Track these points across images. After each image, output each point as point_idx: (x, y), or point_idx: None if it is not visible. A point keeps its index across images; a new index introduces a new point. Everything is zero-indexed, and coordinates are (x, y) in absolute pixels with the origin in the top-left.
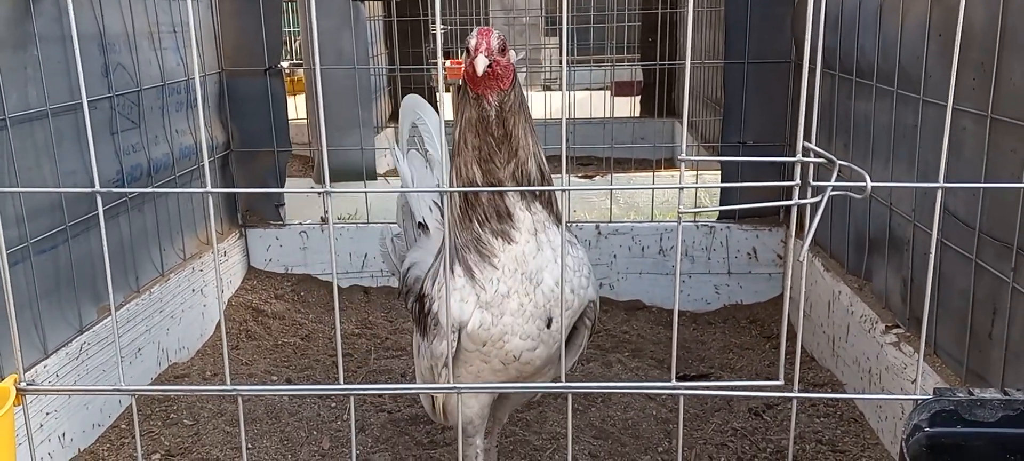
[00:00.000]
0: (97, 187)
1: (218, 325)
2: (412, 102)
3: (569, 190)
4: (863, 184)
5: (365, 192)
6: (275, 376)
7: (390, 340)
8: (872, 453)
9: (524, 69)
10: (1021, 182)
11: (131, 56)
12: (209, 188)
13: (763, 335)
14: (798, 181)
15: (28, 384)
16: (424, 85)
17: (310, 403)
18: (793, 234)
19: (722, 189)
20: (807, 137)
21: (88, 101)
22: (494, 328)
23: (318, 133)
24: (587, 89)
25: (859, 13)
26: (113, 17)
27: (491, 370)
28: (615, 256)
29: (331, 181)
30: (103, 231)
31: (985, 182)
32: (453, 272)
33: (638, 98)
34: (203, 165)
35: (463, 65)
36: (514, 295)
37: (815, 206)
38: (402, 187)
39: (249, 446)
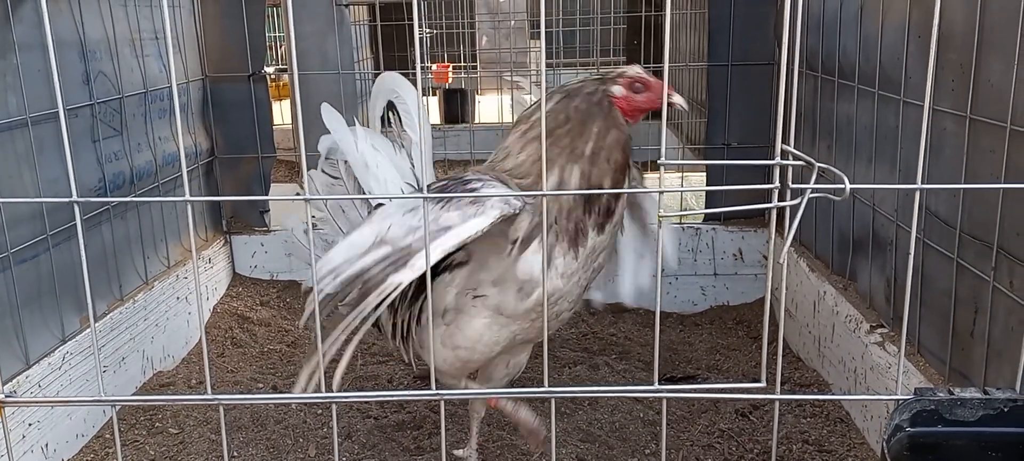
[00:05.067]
0: (74, 196)
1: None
2: (390, 81)
3: (546, 195)
4: (842, 186)
5: (351, 198)
6: (261, 383)
7: (376, 345)
8: (858, 453)
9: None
10: (1000, 182)
11: (112, 63)
12: (188, 196)
13: (750, 336)
14: (777, 184)
15: (7, 396)
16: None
17: (296, 410)
18: (773, 237)
19: (707, 191)
20: (785, 140)
21: (68, 109)
22: (552, 297)
23: (295, 137)
24: None
25: (840, 14)
26: (94, 24)
27: (499, 324)
28: None
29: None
30: (81, 240)
31: (965, 182)
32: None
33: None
34: (182, 174)
35: (641, 95)
36: (578, 273)
37: (795, 208)
38: (365, 167)
39: (235, 454)
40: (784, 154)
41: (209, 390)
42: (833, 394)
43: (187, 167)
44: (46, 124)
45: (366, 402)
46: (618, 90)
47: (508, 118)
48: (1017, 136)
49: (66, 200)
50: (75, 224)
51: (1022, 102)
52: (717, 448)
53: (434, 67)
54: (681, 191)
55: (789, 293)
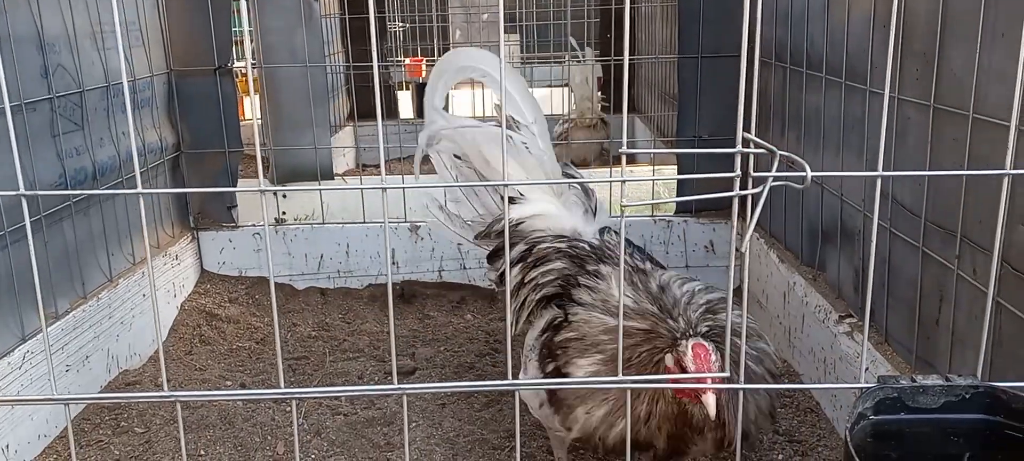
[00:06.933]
0: (21, 190)
1: (170, 330)
2: (464, 58)
3: (508, 185)
4: (803, 174)
5: (320, 189)
6: (230, 381)
7: (347, 342)
8: (828, 442)
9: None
10: (963, 170)
11: (73, 57)
12: (139, 189)
13: None
14: (739, 172)
15: None
16: (380, 83)
17: (265, 408)
18: (735, 224)
19: (678, 183)
20: (747, 129)
21: (26, 103)
22: None
23: (265, 132)
24: (548, 86)
25: (808, 5)
26: (52, 16)
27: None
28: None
29: (287, 181)
30: (29, 235)
31: (929, 170)
32: None
33: (598, 94)
34: (135, 167)
35: (677, 379)
36: None
37: (756, 197)
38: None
39: (202, 453)
40: (745, 142)
41: (165, 386)
42: (798, 384)
43: (153, 162)
44: (2, 118)
45: (336, 399)
46: (668, 360)
47: (481, 112)
48: (980, 124)
49: (15, 194)
50: (33, 220)
51: (984, 91)
52: None
53: (407, 61)
54: (639, 181)
55: (760, 284)
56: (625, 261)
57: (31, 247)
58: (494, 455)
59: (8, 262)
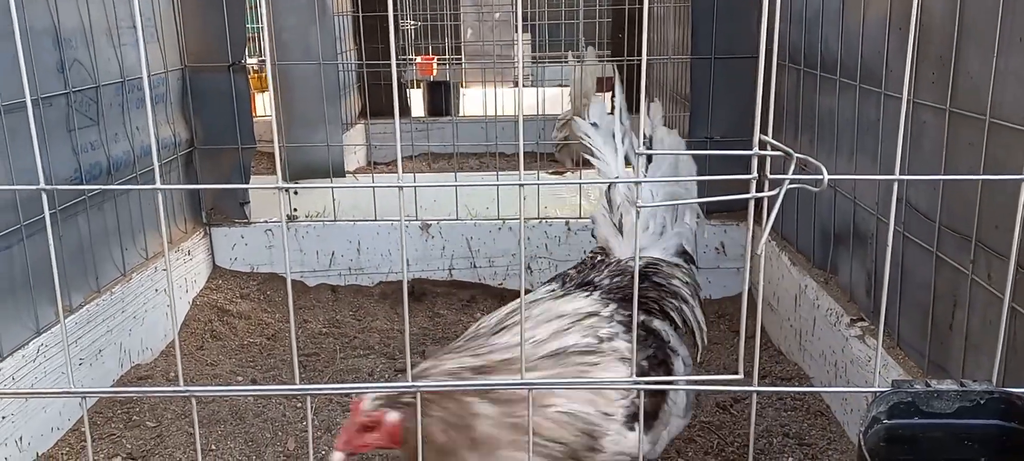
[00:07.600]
0: (42, 184)
1: (182, 325)
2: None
3: (523, 184)
4: (820, 177)
5: (331, 187)
6: (241, 377)
7: (358, 339)
8: (838, 445)
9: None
10: (978, 175)
11: (89, 52)
12: (158, 185)
13: (731, 329)
14: (755, 175)
15: None
16: (392, 81)
17: (276, 403)
18: (751, 227)
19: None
20: (764, 130)
21: (42, 97)
22: None
23: (279, 129)
24: (559, 85)
25: (823, 7)
26: (69, 12)
27: None
28: (585, 252)
29: (299, 178)
30: (49, 229)
31: (944, 175)
32: None
33: (609, 94)
34: (154, 163)
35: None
36: None
37: (773, 199)
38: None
39: (213, 448)
40: (762, 145)
41: (181, 382)
42: (810, 386)
43: (166, 158)
44: (20, 112)
45: (346, 396)
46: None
47: (492, 111)
48: (996, 129)
49: (34, 188)
50: (51, 214)
51: (1001, 95)
52: (698, 442)
53: (419, 60)
54: (656, 181)
55: (771, 287)
56: (576, 281)
57: (50, 241)
58: None
59: (23, 256)
